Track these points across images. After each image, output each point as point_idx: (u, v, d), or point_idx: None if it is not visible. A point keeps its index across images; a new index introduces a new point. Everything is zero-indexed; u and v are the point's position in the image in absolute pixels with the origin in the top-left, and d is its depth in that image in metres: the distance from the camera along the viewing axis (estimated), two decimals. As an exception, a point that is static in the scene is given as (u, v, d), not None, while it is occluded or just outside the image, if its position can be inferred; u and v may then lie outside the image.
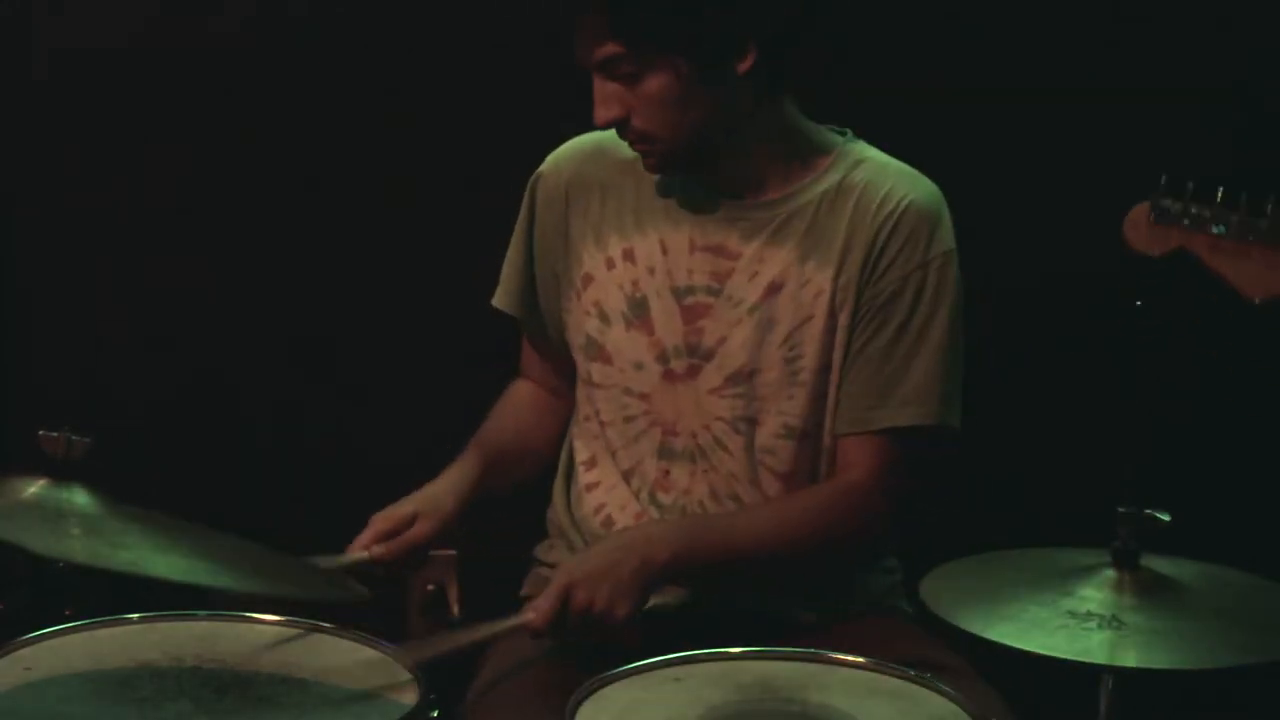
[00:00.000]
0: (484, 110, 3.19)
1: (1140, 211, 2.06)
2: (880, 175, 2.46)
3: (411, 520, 2.43)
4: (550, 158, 2.60)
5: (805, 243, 2.44)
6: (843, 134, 2.52)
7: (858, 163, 2.48)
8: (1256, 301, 2.03)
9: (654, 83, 2.35)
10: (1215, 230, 2.02)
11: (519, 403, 2.67)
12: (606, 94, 2.37)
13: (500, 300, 2.64)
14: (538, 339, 2.64)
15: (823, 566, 2.46)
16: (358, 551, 2.39)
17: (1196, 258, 2.04)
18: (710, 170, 2.45)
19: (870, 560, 2.53)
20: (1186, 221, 2.03)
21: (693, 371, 2.47)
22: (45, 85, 3.22)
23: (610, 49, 2.33)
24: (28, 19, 3.20)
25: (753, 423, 2.45)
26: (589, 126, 2.56)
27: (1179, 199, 2.04)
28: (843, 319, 2.43)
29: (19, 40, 3.21)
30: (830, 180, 2.46)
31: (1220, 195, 2.03)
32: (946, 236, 2.45)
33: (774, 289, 2.45)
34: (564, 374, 2.62)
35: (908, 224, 2.43)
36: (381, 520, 2.43)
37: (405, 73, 3.21)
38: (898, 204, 2.43)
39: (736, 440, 2.46)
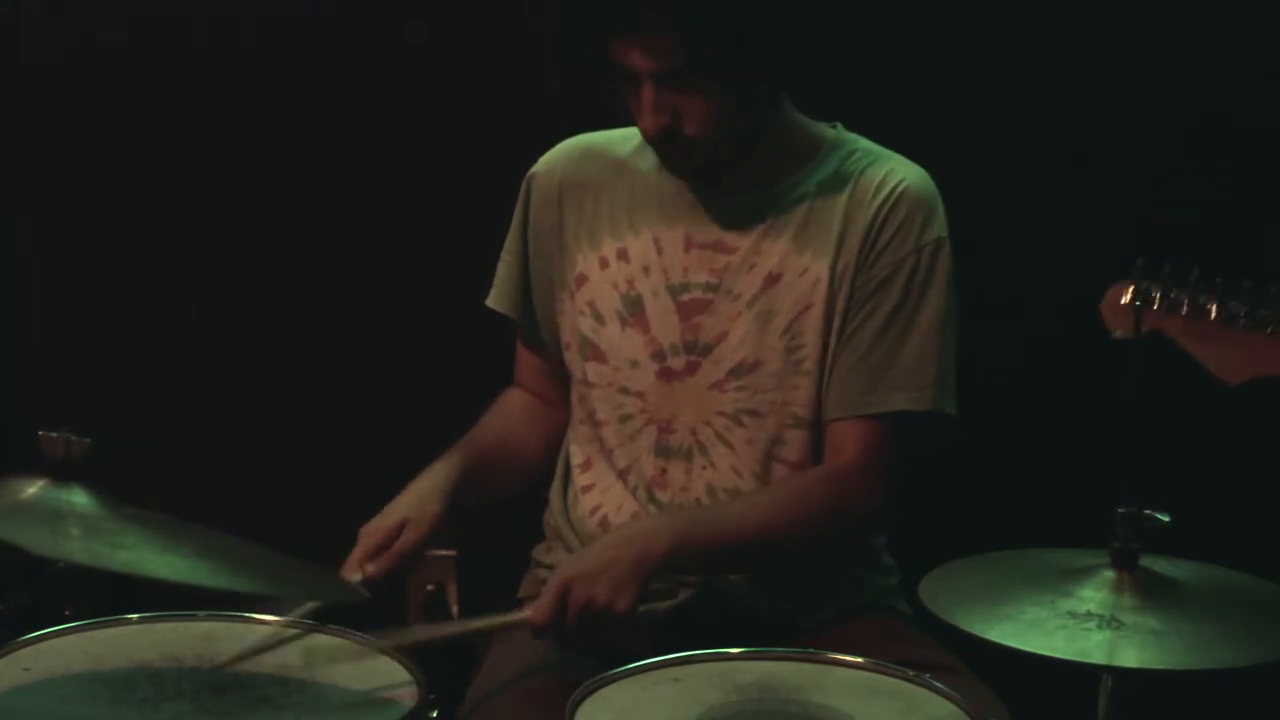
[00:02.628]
0: (477, 111, 3.19)
1: (1116, 293, 2.08)
2: (876, 162, 2.48)
3: (400, 529, 2.40)
4: (543, 158, 2.60)
5: (802, 233, 2.45)
6: (833, 127, 2.52)
7: (851, 152, 2.49)
8: (1233, 385, 2.05)
9: (713, 92, 2.33)
10: (1190, 315, 2.03)
11: (509, 410, 2.67)
12: (660, 102, 2.34)
13: (495, 301, 2.64)
14: (532, 341, 2.64)
15: (819, 552, 2.46)
16: (351, 573, 2.36)
17: (1173, 340, 2.06)
18: (709, 181, 2.45)
19: (866, 542, 2.54)
20: (1162, 305, 2.04)
21: (691, 368, 2.47)
22: (42, 86, 3.22)
23: (678, 62, 2.30)
24: (25, 18, 3.20)
25: (757, 415, 2.45)
26: (582, 127, 2.57)
27: (1155, 281, 2.05)
28: (839, 304, 2.44)
29: (16, 40, 3.21)
30: (825, 170, 2.47)
31: (1195, 277, 2.04)
32: (940, 224, 2.45)
33: (772, 280, 2.45)
34: (558, 379, 2.61)
35: (904, 208, 2.44)
36: (370, 534, 2.40)
37: (399, 74, 3.21)
38: (894, 188, 2.45)
39: (739, 434, 2.46)
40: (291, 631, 2.19)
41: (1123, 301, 2.06)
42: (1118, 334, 2.07)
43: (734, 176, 2.46)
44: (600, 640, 2.26)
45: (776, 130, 2.46)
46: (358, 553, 2.39)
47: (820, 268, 2.44)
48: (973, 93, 3.15)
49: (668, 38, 2.29)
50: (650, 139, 2.39)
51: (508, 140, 2.78)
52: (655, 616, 2.39)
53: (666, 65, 2.31)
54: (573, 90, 3.08)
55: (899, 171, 2.47)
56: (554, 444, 2.63)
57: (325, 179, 3.23)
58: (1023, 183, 3.15)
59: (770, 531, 2.38)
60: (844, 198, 2.45)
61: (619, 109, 2.42)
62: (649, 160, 2.53)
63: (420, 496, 2.45)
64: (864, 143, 2.52)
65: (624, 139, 2.57)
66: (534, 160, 2.61)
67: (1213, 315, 2.02)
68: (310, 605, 2.23)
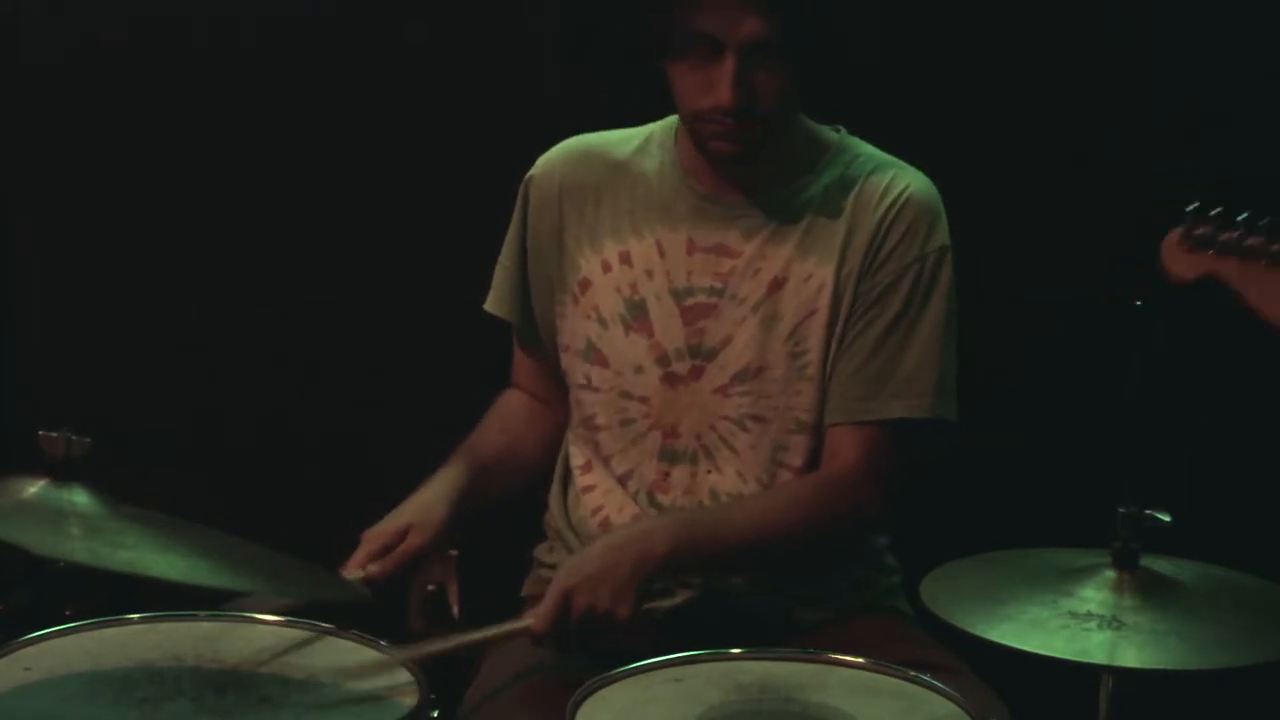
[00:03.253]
0: (477, 111, 3.19)
1: (1174, 236, 2.11)
2: (880, 169, 2.47)
3: (404, 534, 2.40)
4: (541, 160, 2.59)
5: (806, 238, 2.45)
6: (837, 131, 2.52)
7: (855, 158, 2.49)
8: None
9: (790, 69, 2.34)
10: (1243, 256, 2.06)
11: (508, 412, 2.66)
12: (742, 75, 2.32)
13: (493, 305, 2.63)
14: (530, 344, 2.64)
15: (817, 555, 2.46)
16: (353, 572, 2.37)
17: (1226, 283, 2.08)
18: (720, 167, 2.45)
19: (864, 544, 2.53)
20: (1217, 247, 2.07)
21: (695, 372, 2.47)
22: (42, 86, 3.22)
23: (773, 30, 2.30)
24: (25, 18, 3.20)
25: (761, 420, 2.45)
26: (582, 127, 2.56)
27: (1210, 224, 2.08)
28: (843, 310, 2.44)
29: (16, 40, 3.21)
30: (829, 176, 2.47)
31: (1246, 218, 2.08)
32: (943, 232, 2.46)
33: (776, 285, 2.45)
34: (555, 381, 2.61)
35: (908, 215, 2.44)
36: (374, 537, 2.39)
37: (399, 74, 3.21)
38: (899, 195, 2.44)
39: (743, 439, 2.46)
40: (300, 634, 2.19)
41: (1179, 244, 2.09)
42: (1175, 278, 2.11)
43: (739, 177, 2.45)
44: (601, 643, 2.26)
45: (785, 132, 2.45)
46: (360, 554, 2.38)
47: (825, 274, 2.44)
48: (973, 93, 3.15)
49: (772, 5, 2.29)
50: (720, 113, 2.34)
51: (508, 140, 2.78)
52: (656, 616, 2.39)
53: (767, 32, 2.30)
54: (573, 90, 3.09)
55: (904, 178, 2.47)
56: (552, 445, 2.63)
57: (325, 179, 3.23)
58: (1023, 183, 3.15)
59: (768, 535, 2.39)
60: (849, 203, 2.45)
61: (661, 68, 2.39)
62: (650, 162, 2.52)
63: (426, 503, 2.45)
64: (868, 148, 2.51)
65: (623, 140, 2.56)
66: (534, 161, 2.61)
67: (1265, 256, 2.05)
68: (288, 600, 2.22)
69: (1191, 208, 2.10)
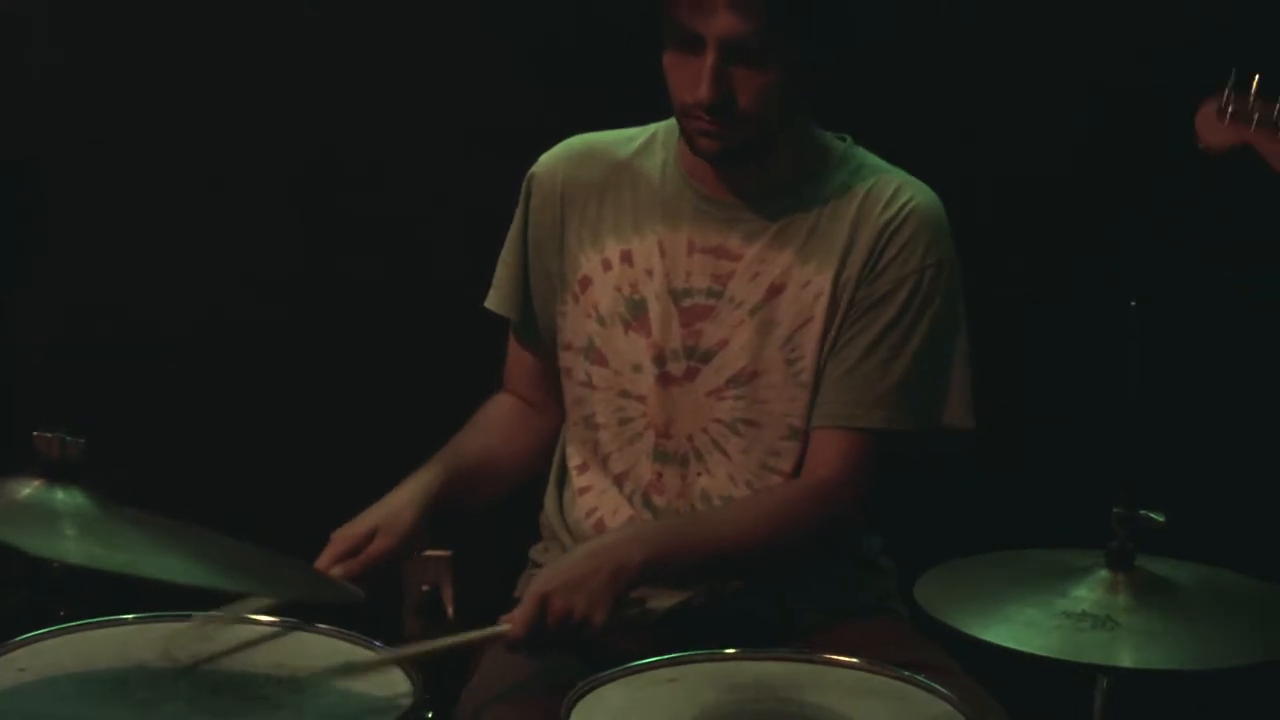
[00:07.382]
0: (477, 111, 3.19)
1: (1209, 107, 2.11)
2: (884, 180, 2.47)
3: (370, 536, 2.39)
4: (544, 158, 2.59)
5: (807, 245, 2.44)
6: (843, 140, 2.52)
7: (860, 167, 2.48)
8: None
9: (775, 69, 2.32)
10: (1275, 125, 2.07)
11: (496, 417, 2.64)
12: (720, 71, 2.30)
13: (494, 302, 2.63)
14: (529, 341, 2.63)
15: (796, 561, 2.46)
16: None
17: (1260, 154, 2.08)
18: (721, 168, 2.44)
19: (841, 548, 2.53)
20: (1253, 117, 2.08)
21: (690, 374, 2.47)
22: (42, 85, 3.23)
23: (753, 28, 2.28)
24: (25, 18, 3.21)
25: (754, 425, 2.45)
26: (582, 127, 2.56)
27: (1245, 94, 2.09)
28: (839, 318, 2.44)
29: (16, 40, 3.22)
30: (834, 184, 2.46)
31: None
32: (945, 245, 2.45)
33: (775, 291, 2.45)
34: (549, 382, 2.60)
35: (910, 227, 2.43)
36: (341, 540, 2.39)
37: (399, 73, 3.21)
38: (902, 207, 2.44)
39: (735, 443, 2.46)
40: (280, 629, 2.20)
41: (1215, 114, 2.10)
42: (1208, 148, 2.12)
43: (744, 181, 2.45)
44: (578, 649, 2.27)
45: (791, 138, 2.45)
46: (327, 555, 2.38)
47: (823, 281, 2.43)
48: (972, 92, 3.15)
49: (754, 2, 2.27)
50: (701, 109, 2.33)
51: (507, 140, 2.78)
52: (653, 617, 2.39)
53: (746, 30, 2.28)
54: (572, 90, 3.10)
55: (908, 190, 2.46)
56: (540, 452, 2.62)
57: (325, 179, 3.24)
58: (1023, 183, 3.15)
59: (751, 544, 2.39)
60: (851, 212, 2.44)
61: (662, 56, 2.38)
62: (653, 161, 2.52)
63: (394, 507, 2.43)
64: (874, 158, 2.51)
65: (625, 140, 2.56)
66: (533, 160, 2.61)
67: None
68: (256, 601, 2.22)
69: (1229, 81, 2.10)
